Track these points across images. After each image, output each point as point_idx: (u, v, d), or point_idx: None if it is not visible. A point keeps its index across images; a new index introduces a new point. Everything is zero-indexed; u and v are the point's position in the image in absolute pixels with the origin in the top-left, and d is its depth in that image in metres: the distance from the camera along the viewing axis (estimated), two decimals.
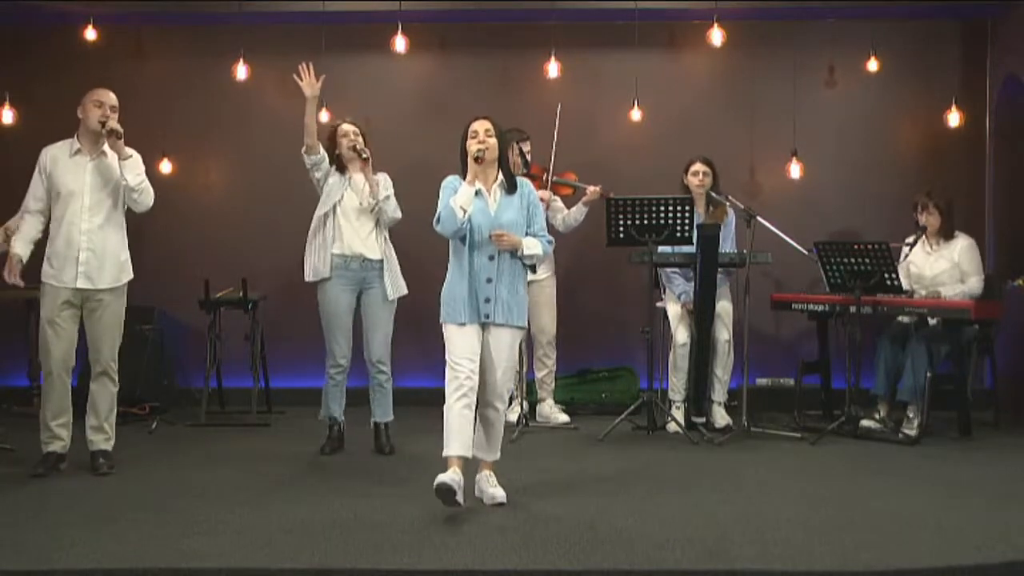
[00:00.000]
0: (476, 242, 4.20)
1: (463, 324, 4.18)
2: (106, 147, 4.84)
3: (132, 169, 4.81)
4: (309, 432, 5.70)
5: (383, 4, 6.77)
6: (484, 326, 4.23)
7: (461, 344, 4.17)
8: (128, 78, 7.01)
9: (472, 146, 4.21)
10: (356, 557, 3.51)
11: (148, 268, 6.89)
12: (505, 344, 4.25)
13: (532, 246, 4.26)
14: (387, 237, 5.39)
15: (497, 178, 4.30)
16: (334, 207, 5.29)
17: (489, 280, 4.19)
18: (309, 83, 5.29)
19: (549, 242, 4.38)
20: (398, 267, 5.41)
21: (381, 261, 5.32)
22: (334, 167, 5.38)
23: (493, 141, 4.24)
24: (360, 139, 5.32)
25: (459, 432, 4.09)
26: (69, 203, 4.77)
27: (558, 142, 6.23)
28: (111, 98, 4.83)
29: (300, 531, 3.82)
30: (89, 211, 4.77)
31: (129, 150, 4.82)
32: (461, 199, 4.14)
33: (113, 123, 4.74)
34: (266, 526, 3.88)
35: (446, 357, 4.19)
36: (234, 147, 7.17)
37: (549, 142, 6.21)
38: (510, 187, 4.30)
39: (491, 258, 4.20)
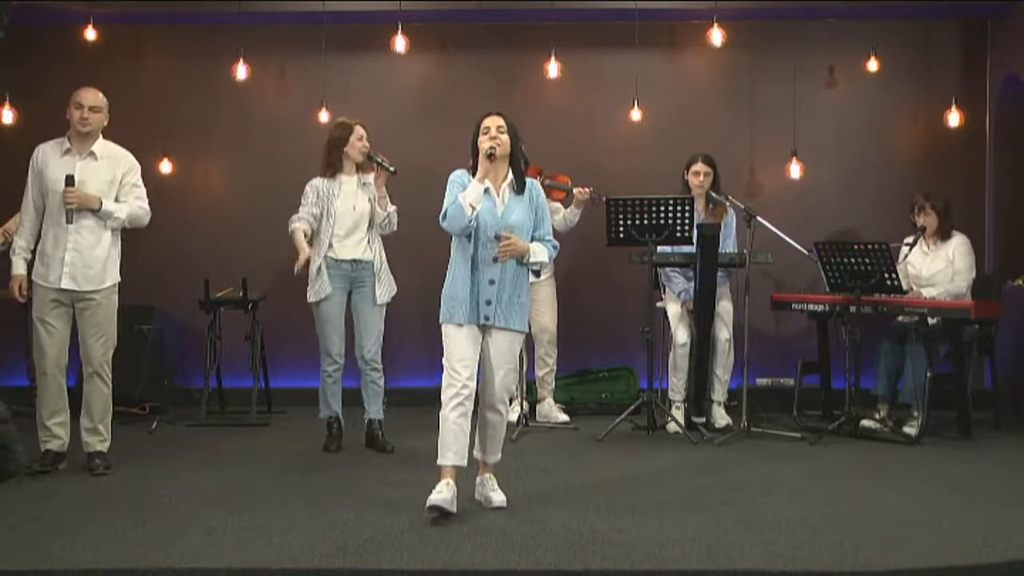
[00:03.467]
0: (481, 242, 4.09)
1: (461, 325, 4.09)
2: (94, 148, 4.80)
3: (109, 214, 4.77)
4: (309, 432, 5.70)
5: (383, 4, 6.77)
6: (484, 328, 4.13)
7: (459, 348, 4.07)
8: (128, 78, 7.03)
9: (484, 143, 4.08)
10: (356, 557, 3.51)
11: (148, 268, 6.93)
12: (505, 347, 4.15)
13: (538, 252, 4.16)
14: (380, 239, 5.44)
15: (507, 177, 4.18)
16: (324, 214, 5.34)
17: (492, 282, 4.08)
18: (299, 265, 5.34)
19: (555, 247, 4.27)
20: (388, 269, 5.46)
21: (372, 262, 5.36)
22: (327, 168, 5.39)
23: (505, 138, 4.11)
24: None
25: (454, 441, 4.03)
26: (57, 202, 4.75)
27: (557, 146, 6.19)
28: (89, 99, 4.77)
29: (300, 531, 3.82)
30: (76, 211, 4.73)
31: (96, 201, 4.72)
32: (471, 196, 4.02)
33: (70, 199, 4.66)
34: (266, 526, 3.88)
35: (443, 361, 4.13)
36: (234, 147, 7.16)
37: (547, 143, 6.20)
38: (519, 187, 4.19)
39: (495, 259, 4.09)
